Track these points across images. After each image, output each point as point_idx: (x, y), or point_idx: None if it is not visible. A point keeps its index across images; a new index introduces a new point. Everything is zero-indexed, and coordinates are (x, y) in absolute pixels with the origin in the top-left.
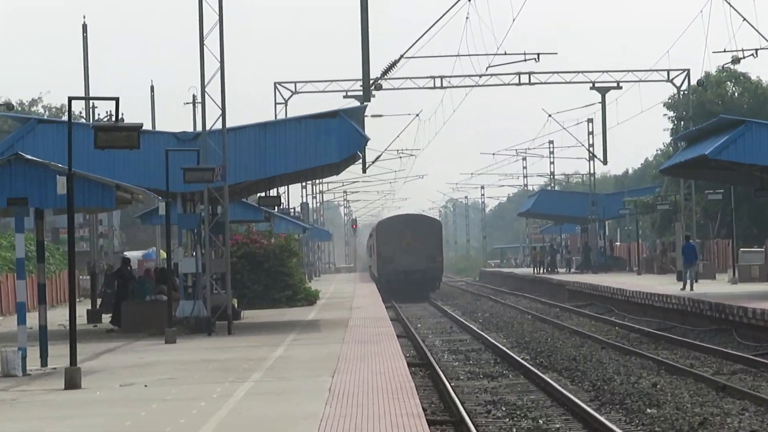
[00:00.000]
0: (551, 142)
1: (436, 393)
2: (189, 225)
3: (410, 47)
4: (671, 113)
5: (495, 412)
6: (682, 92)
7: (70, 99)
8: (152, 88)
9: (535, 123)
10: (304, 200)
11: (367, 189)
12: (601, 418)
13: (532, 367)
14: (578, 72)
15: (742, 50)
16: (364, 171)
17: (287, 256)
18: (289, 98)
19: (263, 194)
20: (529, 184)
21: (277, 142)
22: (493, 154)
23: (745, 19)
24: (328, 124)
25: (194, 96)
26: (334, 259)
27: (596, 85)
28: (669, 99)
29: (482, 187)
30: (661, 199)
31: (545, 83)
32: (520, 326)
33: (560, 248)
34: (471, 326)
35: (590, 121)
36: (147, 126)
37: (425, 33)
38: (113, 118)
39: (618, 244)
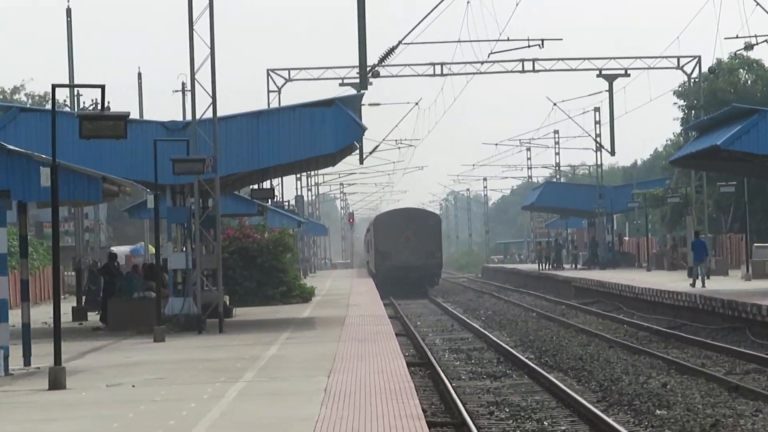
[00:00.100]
0: (556, 132)
1: (436, 394)
2: (179, 219)
3: (409, 32)
4: (681, 102)
5: (498, 413)
6: (692, 80)
7: (53, 86)
8: (140, 75)
9: (539, 112)
10: (299, 193)
11: (364, 181)
12: (609, 420)
13: (536, 367)
14: (584, 59)
15: (756, 36)
16: (361, 162)
17: (281, 251)
18: (282, 86)
19: (256, 186)
20: (534, 176)
21: (270, 132)
22: (496, 144)
23: (758, 4)
24: (324, 113)
25: (183, 84)
26: (330, 254)
27: (603, 72)
28: (679, 87)
29: (485, 179)
30: (672, 191)
31: (550, 70)
32: (524, 324)
33: (566, 243)
34: (473, 324)
35: (597, 110)
36: (134, 115)
37: (425, 18)
38: (99, 107)
39: (627, 238)
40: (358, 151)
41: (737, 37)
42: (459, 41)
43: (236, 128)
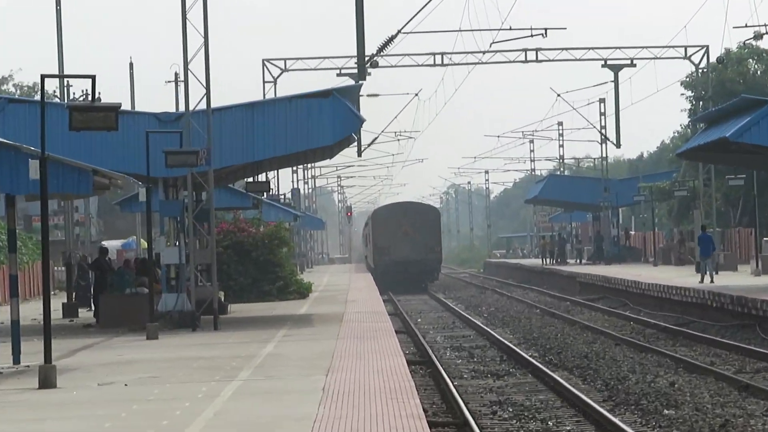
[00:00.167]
0: (560, 123)
1: (437, 393)
2: (171, 212)
3: (408, 21)
4: (689, 93)
5: (501, 413)
6: (700, 70)
7: (43, 77)
8: (131, 65)
9: (542, 103)
10: (295, 186)
11: (362, 174)
12: (615, 420)
13: (540, 365)
14: (589, 48)
15: (765, 25)
16: (359, 155)
17: (277, 244)
18: (278, 76)
19: (251, 179)
20: (537, 168)
21: (265, 124)
22: (498, 136)
23: None
24: (321, 104)
25: (176, 74)
26: (327, 249)
27: (608, 62)
28: (687, 77)
29: (486, 172)
30: (679, 184)
31: (554, 60)
32: (527, 321)
33: (570, 238)
34: (475, 321)
35: (602, 101)
36: (126, 106)
37: (425, 6)
38: (89, 98)
39: (633, 233)
40: (356, 144)
41: (746, 26)
42: (460, 30)
43: (231, 120)
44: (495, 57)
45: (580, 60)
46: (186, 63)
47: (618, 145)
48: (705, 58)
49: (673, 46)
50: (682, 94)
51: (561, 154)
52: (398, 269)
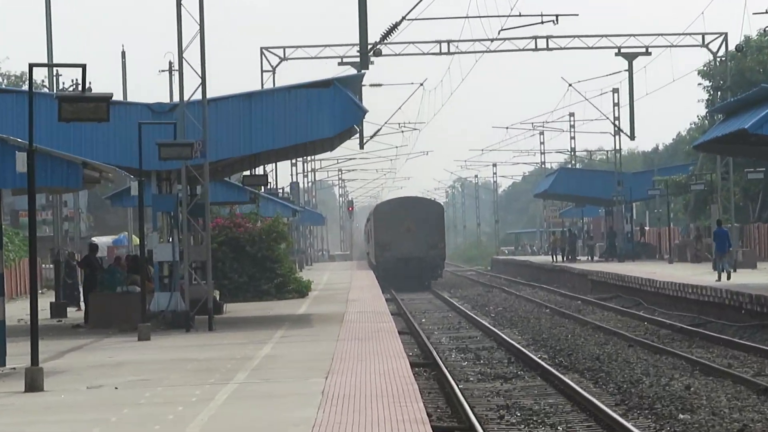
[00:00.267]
0: (572, 114)
1: (442, 396)
2: (165, 207)
3: (413, 8)
4: (706, 82)
5: (508, 417)
6: (718, 59)
7: (31, 66)
8: (123, 53)
9: (553, 93)
10: (294, 179)
11: (365, 167)
12: (628, 425)
13: (550, 368)
14: (602, 36)
15: None
16: (361, 147)
17: (275, 239)
18: (277, 65)
19: (248, 173)
20: (547, 161)
21: (263, 115)
22: (507, 128)
23: None
24: (321, 94)
25: (171, 63)
26: (327, 245)
27: (622, 50)
28: (704, 66)
29: (494, 165)
30: (696, 178)
31: (565, 48)
32: (536, 321)
33: (581, 233)
34: (482, 321)
35: (616, 91)
36: (118, 96)
37: None
38: (79, 88)
39: (647, 228)
40: (358, 135)
41: (766, 12)
42: (467, 17)
43: (227, 110)
44: (504, 45)
45: (592, 48)
46: (180, 51)
47: (632, 136)
48: (723, 45)
49: (690, 34)
50: (700, 84)
51: (572, 146)
52: (400, 266)
